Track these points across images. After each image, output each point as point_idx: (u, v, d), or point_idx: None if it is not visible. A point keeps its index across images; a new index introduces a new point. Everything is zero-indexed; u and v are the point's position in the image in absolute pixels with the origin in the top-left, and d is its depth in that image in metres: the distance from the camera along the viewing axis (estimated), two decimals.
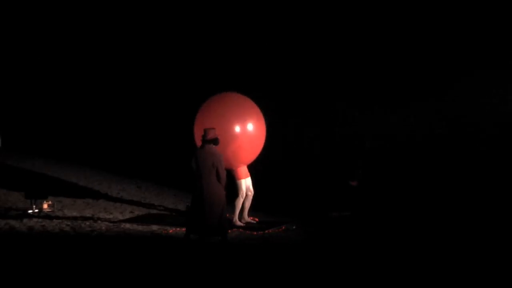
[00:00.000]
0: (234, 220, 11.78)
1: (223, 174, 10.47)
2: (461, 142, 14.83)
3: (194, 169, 10.47)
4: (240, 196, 11.83)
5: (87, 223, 12.07)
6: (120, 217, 12.71)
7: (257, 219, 12.31)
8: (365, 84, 15.92)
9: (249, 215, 12.22)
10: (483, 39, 15.02)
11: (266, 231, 11.70)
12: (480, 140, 14.63)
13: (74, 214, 12.85)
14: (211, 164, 10.38)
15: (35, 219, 12.21)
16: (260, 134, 11.99)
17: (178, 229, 11.68)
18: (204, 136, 10.59)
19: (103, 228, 11.74)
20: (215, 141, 10.58)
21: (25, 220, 12.10)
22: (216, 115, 11.67)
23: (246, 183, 11.95)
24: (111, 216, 12.77)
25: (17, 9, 19.60)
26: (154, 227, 11.82)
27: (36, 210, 12.74)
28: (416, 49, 15.62)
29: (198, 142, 11.30)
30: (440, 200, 13.29)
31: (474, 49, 15.03)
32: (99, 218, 12.50)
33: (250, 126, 11.76)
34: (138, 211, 13.32)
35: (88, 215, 12.79)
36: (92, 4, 19.22)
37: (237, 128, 11.60)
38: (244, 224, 11.96)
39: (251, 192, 12.00)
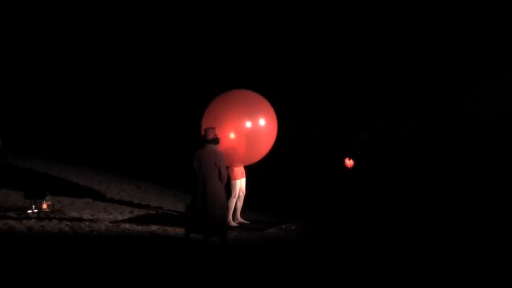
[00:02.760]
0: (228, 220, 11.76)
1: (225, 173, 10.49)
2: (461, 143, 14.85)
3: (196, 168, 10.45)
4: (233, 196, 11.77)
5: (87, 223, 12.06)
6: (120, 217, 12.70)
7: (248, 222, 12.23)
8: (367, 84, 15.96)
9: (245, 215, 12.21)
10: (488, 44, 15.04)
11: (266, 231, 11.68)
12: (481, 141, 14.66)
13: (74, 214, 12.84)
14: (213, 163, 10.37)
15: (34, 219, 12.20)
16: (270, 134, 11.76)
17: (177, 229, 11.68)
18: (204, 136, 10.58)
19: (103, 228, 11.73)
20: (216, 141, 10.57)
21: (24, 220, 12.09)
22: (229, 107, 11.50)
23: (240, 183, 11.90)
24: (110, 216, 12.76)
25: (17, 9, 19.59)
26: (154, 227, 11.81)
27: (36, 210, 12.72)
28: (422, 50, 15.64)
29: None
30: (438, 199, 13.33)
31: (483, 54, 15.04)
32: (98, 218, 12.49)
33: (262, 122, 11.51)
34: (138, 211, 13.31)
35: (87, 215, 12.78)
36: (92, 4, 19.22)
37: (248, 124, 11.42)
38: (238, 225, 11.92)
39: (243, 193, 11.95)
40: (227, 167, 10.94)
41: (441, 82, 15.43)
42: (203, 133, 10.65)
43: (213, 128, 10.64)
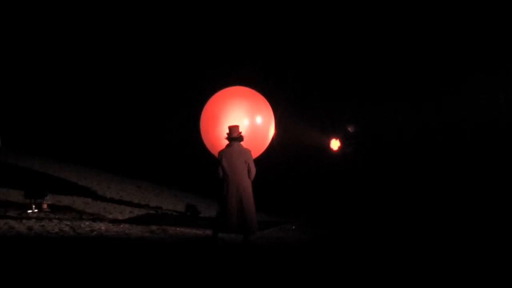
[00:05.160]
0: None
1: (254, 170, 10.49)
2: (455, 142, 14.90)
3: (226, 168, 10.39)
4: None
5: (87, 223, 12.07)
6: (120, 217, 12.71)
7: None
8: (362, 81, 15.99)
9: None
10: (482, 40, 15.05)
11: (266, 231, 11.69)
12: (474, 141, 14.69)
13: (74, 214, 12.85)
14: (243, 162, 10.39)
15: (34, 219, 12.20)
16: (267, 130, 11.75)
17: (178, 228, 11.70)
18: (230, 134, 10.55)
19: (103, 228, 11.74)
20: (241, 138, 10.55)
21: (24, 220, 12.09)
22: (229, 105, 11.43)
23: None
24: (110, 216, 12.77)
25: (17, 9, 19.60)
26: (154, 227, 11.82)
27: (36, 210, 12.74)
28: (417, 48, 15.66)
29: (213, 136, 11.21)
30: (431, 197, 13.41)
31: (473, 50, 15.06)
32: (98, 218, 12.49)
33: (258, 120, 11.46)
34: (138, 211, 13.32)
35: (87, 215, 12.79)
36: (92, 4, 19.22)
37: (246, 121, 11.29)
38: None
39: None
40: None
41: (431, 79, 15.48)
42: (228, 131, 10.58)
43: (237, 126, 10.60)
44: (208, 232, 11.12)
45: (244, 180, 10.41)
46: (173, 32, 18.41)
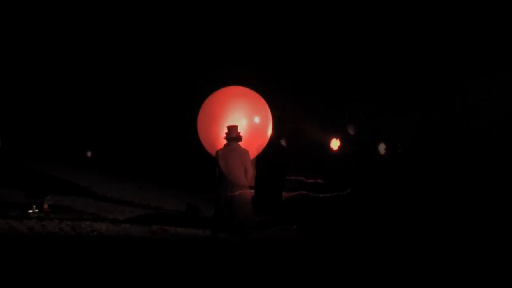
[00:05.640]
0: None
1: (251, 171, 10.48)
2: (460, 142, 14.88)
3: (223, 168, 10.36)
4: None
5: (87, 223, 12.08)
6: (120, 217, 12.71)
7: None
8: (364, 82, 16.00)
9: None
10: (484, 40, 15.05)
11: (266, 231, 11.69)
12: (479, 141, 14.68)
13: (74, 214, 12.85)
14: (240, 162, 10.35)
15: (35, 219, 12.21)
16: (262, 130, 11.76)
17: (178, 228, 11.71)
18: (228, 134, 10.53)
19: (103, 228, 11.75)
20: (239, 138, 10.53)
21: (25, 220, 12.10)
22: (228, 104, 11.40)
23: None
24: (111, 216, 12.77)
25: (17, 9, 19.61)
26: (154, 227, 11.83)
27: (36, 210, 12.75)
28: (419, 49, 15.67)
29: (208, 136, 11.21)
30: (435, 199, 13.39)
31: (475, 50, 15.06)
32: (99, 218, 12.50)
33: (256, 119, 11.42)
34: (139, 211, 13.32)
35: (88, 215, 12.80)
36: (91, 4, 19.23)
37: (244, 121, 11.23)
38: None
39: None
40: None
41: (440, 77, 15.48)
42: (226, 131, 10.57)
43: (236, 126, 10.58)
44: (209, 232, 11.13)
45: (240, 180, 10.36)
46: (172, 31, 18.41)
